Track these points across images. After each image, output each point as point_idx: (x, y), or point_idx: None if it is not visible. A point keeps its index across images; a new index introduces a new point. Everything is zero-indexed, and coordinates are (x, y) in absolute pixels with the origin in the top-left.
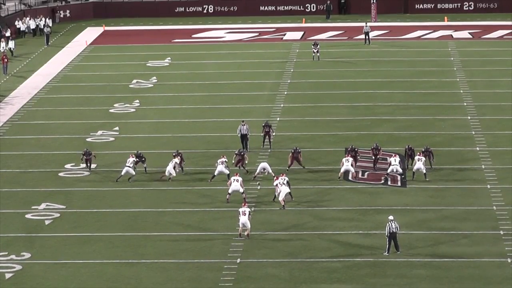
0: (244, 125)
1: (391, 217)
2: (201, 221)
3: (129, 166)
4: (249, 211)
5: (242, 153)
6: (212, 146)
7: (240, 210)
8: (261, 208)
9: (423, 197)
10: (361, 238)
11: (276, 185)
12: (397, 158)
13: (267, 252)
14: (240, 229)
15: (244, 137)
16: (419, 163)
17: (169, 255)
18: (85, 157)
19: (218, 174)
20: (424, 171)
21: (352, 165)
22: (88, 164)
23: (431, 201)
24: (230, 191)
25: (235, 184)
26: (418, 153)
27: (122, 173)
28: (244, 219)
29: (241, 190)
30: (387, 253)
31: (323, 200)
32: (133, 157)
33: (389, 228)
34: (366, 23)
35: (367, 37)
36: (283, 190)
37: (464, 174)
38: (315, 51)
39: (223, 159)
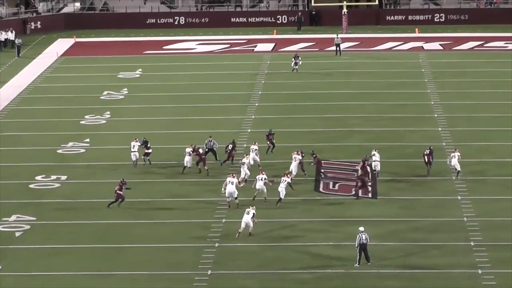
0: (211, 140)
1: (361, 228)
2: (172, 233)
3: (135, 151)
4: (253, 213)
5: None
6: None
7: (246, 209)
8: (233, 220)
9: (394, 208)
10: (332, 250)
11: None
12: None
13: (238, 263)
14: (242, 228)
15: (211, 151)
16: (455, 160)
17: (141, 267)
18: None
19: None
20: (459, 168)
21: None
22: None
23: (402, 213)
24: (227, 194)
25: (230, 187)
26: (455, 149)
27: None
28: (247, 218)
29: (236, 194)
30: (358, 264)
31: (294, 211)
32: (136, 141)
33: (360, 239)
34: (337, 35)
35: (338, 48)
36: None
37: (435, 186)
38: (296, 63)
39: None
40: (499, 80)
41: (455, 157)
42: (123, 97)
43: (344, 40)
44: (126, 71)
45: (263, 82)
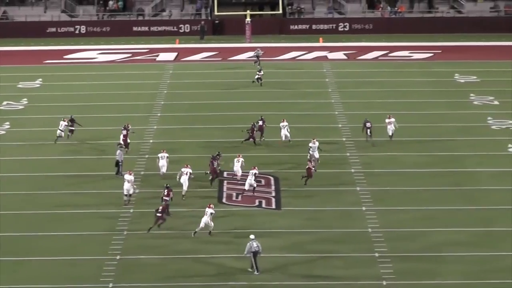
0: (121, 150)
1: (252, 236)
2: (72, 246)
3: (61, 130)
4: (211, 212)
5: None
6: (86, 168)
7: (206, 209)
8: (135, 232)
9: (299, 219)
10: (236, 261)
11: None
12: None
13: (141, 276)
14: (200, 227)
15: (117, 163)
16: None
17: (42, 280)
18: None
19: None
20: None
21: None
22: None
23: (307, 224)
24: (124, 191)
25: (127, 184)
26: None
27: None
28: (206, 219)
29: (131, 191)
30: (257, 272)
31: (198, 223)
32: (65, 121)
33: (251, 247)
34: (258, 49)
35: (258, 61)
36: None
37: (340, 197)
38: (259, 78)
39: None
40: (404, 90)
41: (390, 123)
42: (23, 107)
43: (248, 49)
44: (26, 80)
45: (165, 92)
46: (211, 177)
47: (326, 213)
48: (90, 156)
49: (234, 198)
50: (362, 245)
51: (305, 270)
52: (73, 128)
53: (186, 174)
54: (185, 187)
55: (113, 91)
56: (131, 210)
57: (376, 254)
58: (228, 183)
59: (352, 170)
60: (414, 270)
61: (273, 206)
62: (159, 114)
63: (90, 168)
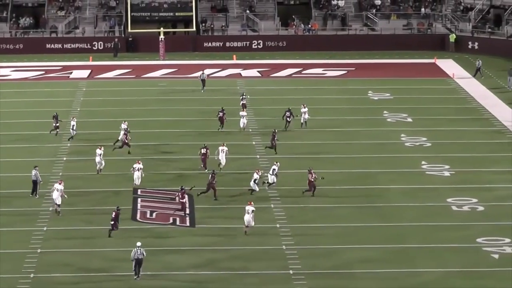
0: (37, 170)
1: (138, 244)
2: None
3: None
4: (252, 210)
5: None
6: (2, 186)
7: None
8: (48, 250)
9: (212, 236)
10: (149, 280)
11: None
12: None
13: None
14: (246, 227)
15: (35, 183)
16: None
17: None
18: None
19: None
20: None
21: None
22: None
23: (220, 241)
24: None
25: (55, 193)
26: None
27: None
28: (248, 217)
29: (59, 201)
30: (136, 277)
31: (109, 241)
32: (73, 120)
33: (135, 253)
34: (203, 71)
35: (203, 84)
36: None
37: (255, 214)
38: (244, 104)
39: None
40: (318, 107)
41: (305, 113)
42: None
43: (161, 67)
44: None
45: (78, 109)
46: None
47: (240, 231)
48: (4, 174)
49: (148, 216)
50: (276, 262)
51: (220, 287)
52: (57, 125)
53: (138, 170)
54: (137, 182)
55: (26, 108)
56: (45, 228)
57: (291, 271)
58: (142, 200)
59: (267, 188)
60: (328, 287)
61: (187, 224)
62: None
63: (2, 186)
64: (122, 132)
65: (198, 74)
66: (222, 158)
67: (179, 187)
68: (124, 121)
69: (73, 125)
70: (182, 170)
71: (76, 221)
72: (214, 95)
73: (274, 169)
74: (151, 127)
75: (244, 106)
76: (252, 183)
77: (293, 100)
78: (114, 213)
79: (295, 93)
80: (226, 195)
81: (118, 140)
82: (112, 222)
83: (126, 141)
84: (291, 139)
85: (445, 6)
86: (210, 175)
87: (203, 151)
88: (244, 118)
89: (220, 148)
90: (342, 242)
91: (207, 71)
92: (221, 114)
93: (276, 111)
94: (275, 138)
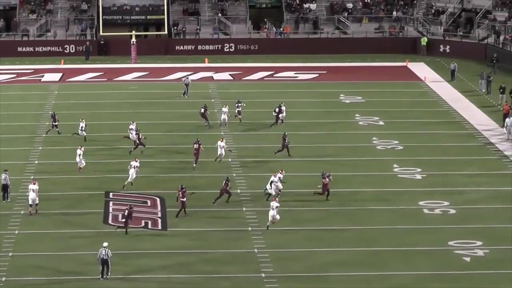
0: (7, 174)
1: (105, 244)
2: None
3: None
4: (277, 206)
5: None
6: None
7: (271, 203)
8: (19, 253)
9: (185, 240)
10: (122, 283)
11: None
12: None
13: None
14: (270, 221)
15: (5, 187)
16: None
17: None
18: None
19: None
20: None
21: None
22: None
23: (193, 244)
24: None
25: (32, 194)
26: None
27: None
28: (272, 213)
29: (36, 201)
30: (101, 277)
31: (82, 245)
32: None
33: (100, 254)
34: (187, 76)
35: (186, 89)
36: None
37: (226, 217)
38: (239, 111)
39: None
40: (290, 111)
41: (282, 111)
42: None
43: (133, 70)
44: None
45: (50, 112)
46: (228, 196)
47: (212, 234)
48: None
49: (120, 219)
50: (248, 265)
51: None
52: (56, 124)
53: (134, 168)
54: (130, 179)
55: None
56: (16, 232)
57: (263, 275)
58: (114, 203)
59: (238, 191)
60: None
61: (159, 227)
62: (44, 135)
63: None
64: (134, 133)
65: (182, 77)
66: (222, 152)
67: (179, 186)
68: (133, 122)
69: (82, 127)
70: (153, 173)
71: (48, 224)
72: (185, 98)
73: (272, 181)
74: (123, 131)
75: (239, 113)
76: (268, 186)
77: (265, 103)
78: (126, 211)
79: (267, 96)
80: (198, 198)
81: (135, 142)
82: (124, 220)
83: (140, 140)
84: (263, 142)
85: (416, 10)
86: (224, 182)
87: (195, 146)
88: (225, 114)
89: (219, 143)
90: (314, 245)
91: (179, 74)
92: (202, 110)
93: (248, 114)
94: (286, 141)
